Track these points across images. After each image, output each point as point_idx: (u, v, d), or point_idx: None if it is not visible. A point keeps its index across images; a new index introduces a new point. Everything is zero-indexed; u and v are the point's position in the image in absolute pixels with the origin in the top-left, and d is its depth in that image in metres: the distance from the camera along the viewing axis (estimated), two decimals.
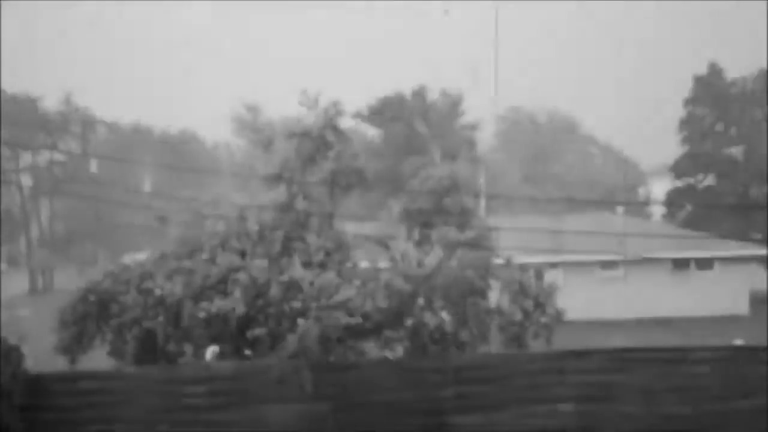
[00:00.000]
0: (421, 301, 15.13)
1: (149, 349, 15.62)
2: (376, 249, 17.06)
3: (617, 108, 77.47)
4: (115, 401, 14.93)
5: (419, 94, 55.95)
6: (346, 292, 14.53)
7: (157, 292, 15.21)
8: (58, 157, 65.81)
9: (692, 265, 36.63)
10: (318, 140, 17.12)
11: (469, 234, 16.76)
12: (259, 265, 15.07)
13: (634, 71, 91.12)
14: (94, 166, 67.02)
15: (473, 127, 58.53)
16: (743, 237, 40.92)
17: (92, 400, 14.91)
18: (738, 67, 49.44)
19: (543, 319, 15.67)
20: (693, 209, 48.44)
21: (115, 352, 15.94)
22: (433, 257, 15.63)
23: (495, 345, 15.89)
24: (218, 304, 14.63)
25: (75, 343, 15.80)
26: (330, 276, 14.97)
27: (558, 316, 15.75)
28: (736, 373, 14.78)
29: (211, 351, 16.31)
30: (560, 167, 72.31)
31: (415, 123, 54.06)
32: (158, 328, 15.28)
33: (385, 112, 55.43)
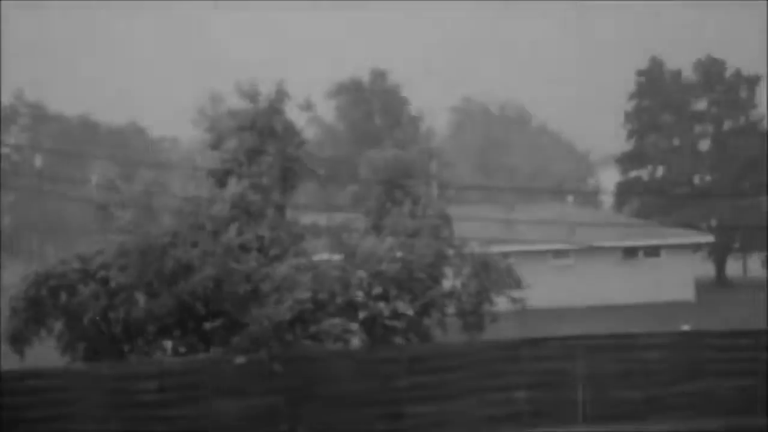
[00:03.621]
0: (376, 291, 15.11)
1: (103, 343, 15.31)
2: (333, 240, 16.96)
3: (567, 101, 78.56)
4: (65, 399, 14.65)
5: (378, 75, 55.99)
6: (301, 284, 14.45)
7: (113, 284, 14.86)
8: (5, 150, 64.24)
9: (640, 253, 37.37)
10: (263, 132, 16.89)
11: (424, 221, 16.73)
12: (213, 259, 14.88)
13: (583, 68, 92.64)
14: (40, 159, 65.58)
15: (422, 117, 58.85)
16: (689, 225, 41.88)
17: (41, 399, 14.60)
18: (679, 61, 50.52)
19: (504, 294, 15.52)
20: (640, 199, 49.36)
21: (65, 346, 15.52)
22: (386, 247, 15.61)
23: (453, 330, 15.93)
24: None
25: (23, 331, 15.11)
26: (284, 268, 14.86)
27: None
28: (683, 357, 15.14)
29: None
30: (512, 157, 73.06)
31: (371, 109, 54.08)
32: (115, 321, 14.94)
33: (342, 95, 55.44)
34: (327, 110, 56.03)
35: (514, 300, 15.69)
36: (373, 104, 55.54)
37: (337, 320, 14.46)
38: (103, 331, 15.27)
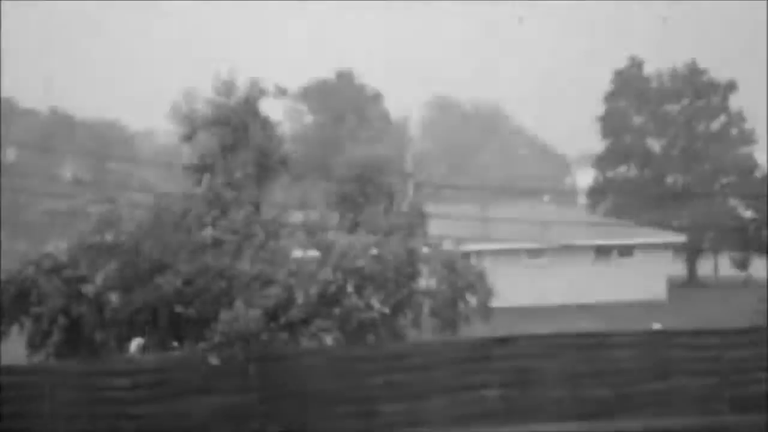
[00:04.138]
0: (350, 288, 15.09)
1: (72, 341, 15.15)
2: (308, 236, 16.92)
3: (544, 101, 79.04)
4: (34, 396, 14.47)
5: (345, 75, 56.03)
6: (274, 281, 14.42)
7: (85, 289, 14.67)
8: None
9: (614, 252, 37.73)
10: (238, 127, 16.83)
11: (399, 218, 16.74)
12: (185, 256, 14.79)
13: (562, 68, 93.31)
14: (12, 153, 64.70)
15: (392, 113, 59.00)
16: (662, 225, 42.36)
17: (9, 396, 14.42)
18: (656, 65, 51.10)
19: (474, 299, 15.56)
20: (614, 199, 49.86)
21: (34, 344, 15.35)
22: (361, 244, 15.60)
23: (427, 330, 15.96)
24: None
25: None
26: (257, 265, 14.81)
27: (490, 294, 15.75)
28: (654, 356, 15.30)
29: (135, 343, 15.96)
30: (486, 156, 73.32)
31: (342, 107, 54.10)
32: (83, 319, 14.78)
33: (312, 96, 55.42)
34: (298, 110, 56.06)
35: (482, 308, 15.74)
36: (343, 104, 55.51)
37: (315, 323, 14.41)
38: (74, 328, 15.09)
